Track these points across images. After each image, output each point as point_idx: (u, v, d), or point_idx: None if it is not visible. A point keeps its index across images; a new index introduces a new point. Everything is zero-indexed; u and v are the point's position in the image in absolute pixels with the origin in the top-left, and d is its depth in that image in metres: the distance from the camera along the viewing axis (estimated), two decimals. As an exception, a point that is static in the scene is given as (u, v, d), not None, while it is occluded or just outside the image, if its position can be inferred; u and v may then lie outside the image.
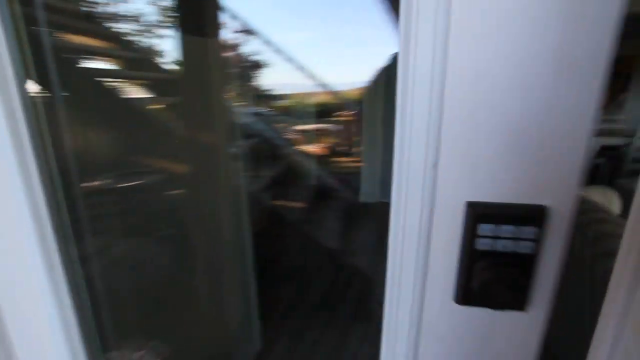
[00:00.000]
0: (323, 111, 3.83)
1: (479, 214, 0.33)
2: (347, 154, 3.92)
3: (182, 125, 1.46)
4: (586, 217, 0.96)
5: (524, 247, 0.32)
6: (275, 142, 2.73)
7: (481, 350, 0.35)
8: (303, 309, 2.02)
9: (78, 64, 1.40)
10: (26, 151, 0.44)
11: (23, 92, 0.44)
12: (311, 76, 3.32)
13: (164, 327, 1.29)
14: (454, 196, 0.33)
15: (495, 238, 0.33)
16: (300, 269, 2.40)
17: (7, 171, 0.43)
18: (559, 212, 0.30)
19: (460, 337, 0.36)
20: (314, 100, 3.82)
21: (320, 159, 3.38)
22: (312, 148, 3.40)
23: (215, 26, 1.33)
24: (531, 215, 0.31)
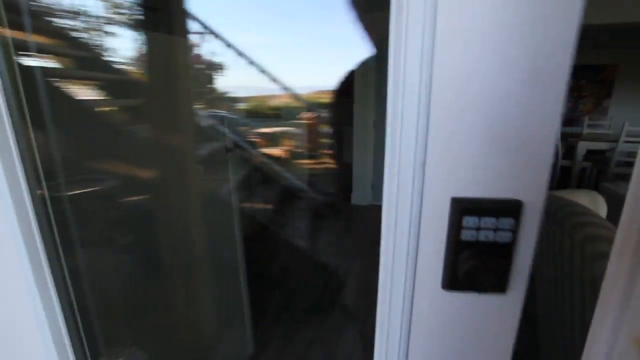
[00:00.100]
0: (285, 114, 3.86)
1: (463, 208, 0.36)
2: (310, 157, 3.96)
3: (145, 128, 1.43)
4: (574, 220, 0.99)
5: (503, 237, 0.36)
6: (239, 145, 2.75)
7: (467, 331, 0.39)
8: (293, 312, 2.04)
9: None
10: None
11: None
12: (273, 79, 3.36)
13: (146, 334, 1.28)
14: (440, 192, 0.37)
15: (478, 229, 0.36)
16: (281, 271, 2.43)
17: None
18: (531, 205, 0.34)
19: (448, 319, 0.39)
20: (276, 103, 3.86)
21: (284, 161, 3.42)
22: (276, 151, 3.44)
23: (178, 23, 1.29)
24: (508, 208, 0.35)
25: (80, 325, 0.65)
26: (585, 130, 4.90)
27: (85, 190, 1.17)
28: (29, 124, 0.57)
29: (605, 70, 5.55)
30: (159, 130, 1.32)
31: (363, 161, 3.90)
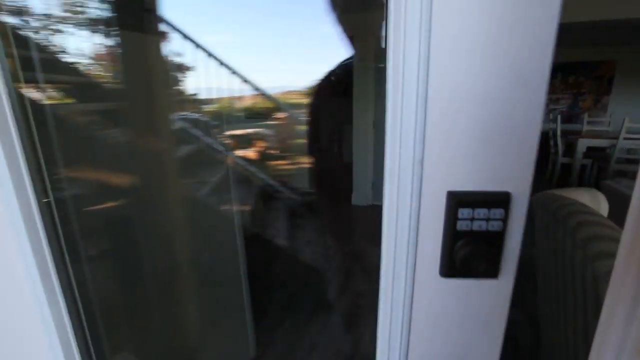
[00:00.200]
0: (257, 115, 3.84)
1: (458, 201, 0.40)
2: (283, 157, 3.97)
3: (115, 132, 1.39)
4: (576, 219, 0.99)
5: (495, 226, 0.39)
6: (213, 147, 2.77)
7: (464, 313, 0.42)
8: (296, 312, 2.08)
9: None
10: None
11: None
12: (244, 80, 3.35)
13: (142, 340, 1.30)
14: (437, 187, 0.41)
15: (472, 220, 0.40)
16: (268, 270, 2.48)
17: None
18: (519, 196, 0.38)
19: (446, 304, 0.43)
20: (248, 104, 3.83)
21: (258, 162, 3.44)
22: (249, 152, 3.45)
23: (147, 22, 1.24)
24: (499, 200, 0.39)
25: (87, 331, 0.67)
26: (585, 128, 4.91)
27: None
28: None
29: (604, 66, 5.58)
30: (131, 135, 1.29)
31: (363, 161, 3.92)
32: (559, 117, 4.61)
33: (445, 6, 0.34)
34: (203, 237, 1.68)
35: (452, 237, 0.41)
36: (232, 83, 3.27)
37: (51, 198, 0.62)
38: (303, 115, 4.01)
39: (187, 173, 1.81)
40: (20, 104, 0.49)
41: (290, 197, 3.51)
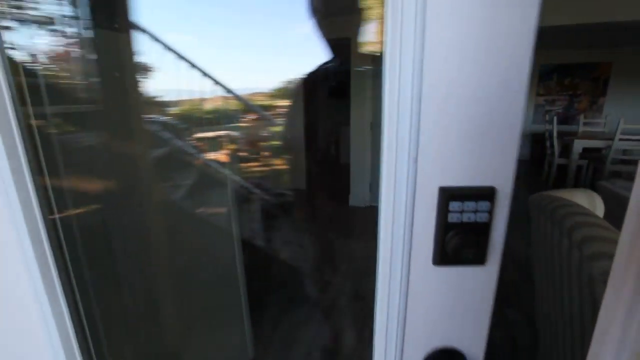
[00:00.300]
0: (228, 117, 3.78)
1: (449, 195, 0.44)
2: (255, 159, 3.98)
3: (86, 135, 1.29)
4: (572, 220, 1.00)
5: (482, 217, 0.43)
6: (185, 150, 2.77)
7: (454, 299, 0.46)
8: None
9: None
10: None
11: None
12: (214, 81, 3.32)
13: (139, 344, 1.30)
14: (430, 183, 0.44)
15: (462, 212, 0.44)
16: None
17: None
18: (503, 190, 0.42)
19: (438, 290, 0.47)
20: (218, 106, 3.75)
21: (231, 165, 3.45)
22: (221, 155, 3.44)
23: (114, 18, 1.20)
24: (485, 194, 0.42)
25: (89, 337, 0.69)
26: (581, 129, 4.97)
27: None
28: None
29: (600, 68, 5.64)
30: (99, 138, 1.24)
31: (361, 162, 3.96)
32: (555, 118, 4.67)
33: (437, 22, 0.38)
34: (199, 240, 1.70)
35: (444, 228, 0.45)
36: (198, 84, 3.21)
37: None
38: (273, 117, 4.02)
39: (162, 176, 1.79)
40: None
41: (264, 198, 3.53)
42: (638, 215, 0.29)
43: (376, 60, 3.58)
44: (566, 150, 4.56)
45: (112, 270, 1.25)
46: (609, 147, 4.02)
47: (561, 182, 4.58)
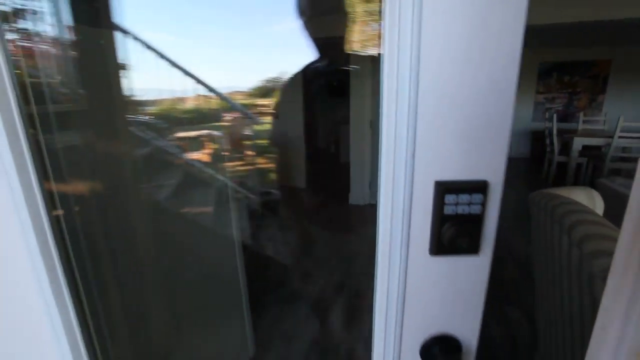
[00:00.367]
0: (209, 116, 3.75)
1: (444, 189, 0.46)
2: (238, 158, 3.98)
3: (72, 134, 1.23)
4: (572, 218, 1.00)
5: (475, 209, 0.46)
6: (167, 149, 2.77)
7: (450, 287, 0.49)
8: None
9: None
10: None
11: None
12: (196, 80, 3.27)
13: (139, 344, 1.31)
14: (426, 177, 0.47)
15: (457, 205, 0.46)
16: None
17: None
18: (495, 184, 0.44)
19: (435, 279, 0.49)
20: (199, 105, 3.70)
21: (213, 164, 3.44)
22: (204, 154, 3.42)
23: (93, 15, 1.18)
24: (478, 187, 0.45)
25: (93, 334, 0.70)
26: (581, 126, 4.99)
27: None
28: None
29: (600, 65, 5.65)
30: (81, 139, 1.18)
31: (360, 161, 3.97)
32: (554, 116, 4.68)
33: (432, 27, 0.41)
34: (199, 240, 1.72)
35: (440, 220, 0.47)
36: (178, 82, 3.17)
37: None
38: (256, 115, 4.01)
39: (147, 176, 1.78)
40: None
41: (248, 197, 3.55)
42: (638, 213, 0.29)
43: (375, 60, 3.60)
44: (566, 147, 4.58)
45: (112, 271, 1.24)
46: (609, 144, 4.03)
47: (561, 179, 4.60)
